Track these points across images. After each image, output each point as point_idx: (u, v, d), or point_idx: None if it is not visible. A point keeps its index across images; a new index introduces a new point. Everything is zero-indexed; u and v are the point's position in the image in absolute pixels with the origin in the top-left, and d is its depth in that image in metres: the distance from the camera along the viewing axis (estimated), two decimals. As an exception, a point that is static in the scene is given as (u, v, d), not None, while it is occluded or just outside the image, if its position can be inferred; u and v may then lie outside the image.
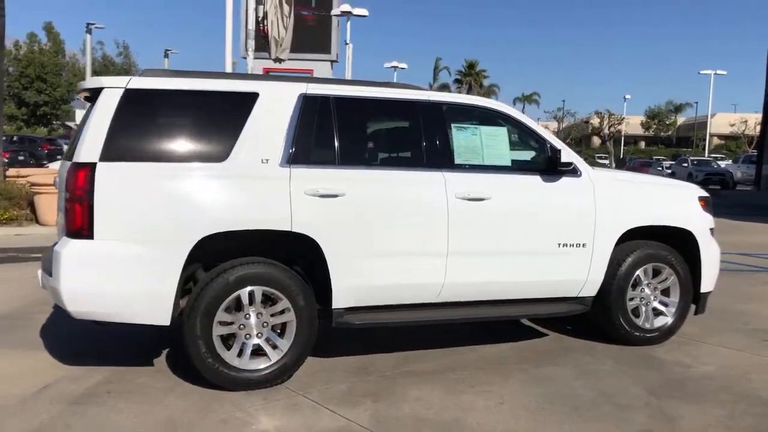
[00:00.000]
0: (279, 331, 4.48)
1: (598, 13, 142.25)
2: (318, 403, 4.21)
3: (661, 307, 5.60)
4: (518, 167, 5.17)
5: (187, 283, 4.51)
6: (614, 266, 5.33)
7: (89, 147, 4.13)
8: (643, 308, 5.54)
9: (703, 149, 57.67)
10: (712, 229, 5.74)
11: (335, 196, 4.49)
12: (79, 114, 35.77)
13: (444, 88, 64.69)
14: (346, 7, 23.76)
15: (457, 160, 4.91)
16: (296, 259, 4.63)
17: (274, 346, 4.44)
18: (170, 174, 4.23)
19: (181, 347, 4.40)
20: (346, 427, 3.89)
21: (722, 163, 40.40)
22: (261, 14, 16.65)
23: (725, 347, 5.64)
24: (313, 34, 21.98)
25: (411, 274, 4.74)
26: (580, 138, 72.86)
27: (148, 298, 4.20)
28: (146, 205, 4.19)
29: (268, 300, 4.43)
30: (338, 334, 5.16)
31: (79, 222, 4.09)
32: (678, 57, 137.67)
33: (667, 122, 72.43)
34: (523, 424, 4.01)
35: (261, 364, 4.41)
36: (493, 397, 4.39)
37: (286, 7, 17.00)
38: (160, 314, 4.23)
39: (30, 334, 5.57)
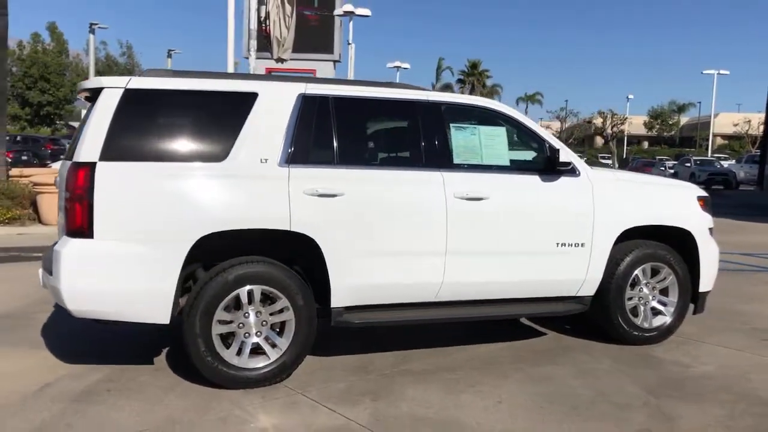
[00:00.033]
0: (278, 329, 4.50)
1: (602, 13, 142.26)
2: (317, 402, 4.23)
3: (660, 307, 5.61)
4: (517, 167, 5.18)
5: (187, 282, 4.54)
6: (613, 266, 5.34)
7: (89, 147, 4.16)
8: (642, 308, 5.55)
9: (707, 149, 57.55)
10: (711, 229, 5.75)
11: (334, 195, 4.50)
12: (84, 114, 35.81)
13: (447, 88, 64.75)
14: (348, 7, 23.78)
15: (456, 160, 4.93)
16: (295, 258, 4.65)
17: (273, 345, 4.46)
18: (170, 173, 4.25)
19: (180, 346, 4.42)
20: (344, 426, 3.91)
21: (725, 163, 40.33)
22: (263, 14, 16.70)
23: (724, 347, 5.64)
24: (315, 34, 22.03)
25: (409, 274, 4.76)
26: (583, 138, 72.83)
27: (147, 296, 4.23)
28: (146, 204, 4.21)
29: (267, 299, 4.45)
30: (337, 333, 5.19)
31: (79, 221, 4.11)
32: (681, 57, 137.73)
33: (670, 122, 72.38)
34: (522, 423, 4.02)
35: (260, 362, 4.43)
36: (491, 396, 4.41)
37: (288, 7, 17.04)
38: (160, 313, 4.25)
39: (32, 333, 5.60)
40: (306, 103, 4.63)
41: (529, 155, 5.34)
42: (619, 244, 5.36)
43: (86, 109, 4.90)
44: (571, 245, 5.15)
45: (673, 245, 5.60)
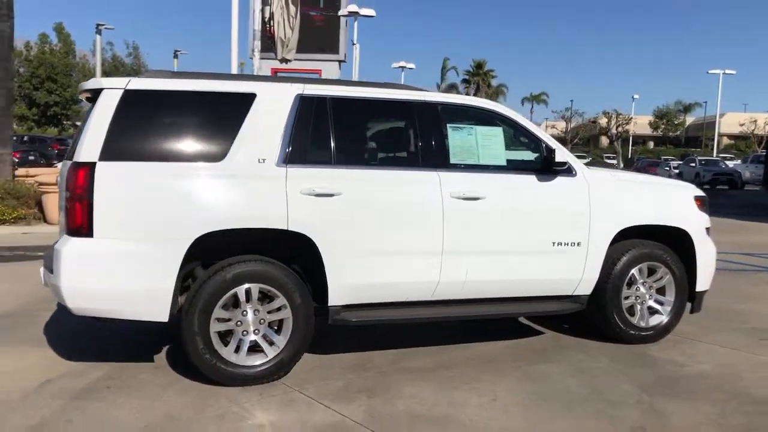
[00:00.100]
0: (276, 327, 4.56)
1: (606, 13, 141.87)
2: (313, 399, 4.28)
3: (657, 306, 5.64)
4: (513, 167, 5.22)
5: (186, 281, 4.60)
6: (609, 265, 5.37)
7: (89, 147, 4.22)
8: (639, 307, 5.58)
9: (712, 149, 57.38)
10: (708, 229, 5.77)
11: (331, 195, 4.55)
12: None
13: (452, 88, 64.82)
14: (353, 8, 23.84)
15: (453, 160, 4.97)
16: (293, 257, 4.70)
17: (271, 343, 4.52)
18: (168, 173, 4.31)
19: (180, 344, 4.48)
20: (340, 423, 3.96)
21: (730, 163, 40.20)
22: (267, 15, 16.78)
23: (721, 346, 5.66)
24: (321, 34, 22.07)
25: (406, 273, 4.80)
26: (588, 138, 72.67)
27: (146, 295, 4.28)
28: (145, 203, 4.27)
29: (265, 297, 4.51)
30: (336, 331, 5.24)
31: (79, 220, 4.18)
32: (687, 57, 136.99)
33: (676, 122, 72.16)
34: (516, 420, 4.06)
35: (258, 360, 4.48)
36: (486, 393, 4.45)
37: (292, 8, 17.12)
38: (159, 311, 4.31)
39: (34, 331, 5.67)
40: (304, 103, 4.68)
41: (525, 155, 5.38)
42: (616, 243, 5.40)
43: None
44: (568, 245, 5.19)
45: (670, 245, 5.63)
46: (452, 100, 5.30)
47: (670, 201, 5.73)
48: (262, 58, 16.18)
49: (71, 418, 3.94)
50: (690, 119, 74.87)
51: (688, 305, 5.78)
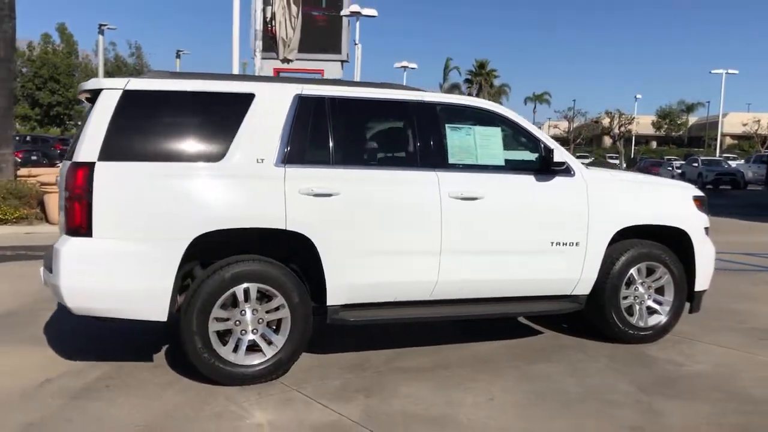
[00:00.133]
0: (274, 327, 4.57)
1: (609, 13, 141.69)
2: (311, 398, 4.29)
3: (655, 306, 5.65)
4: (512, 167, 5.23)
5: (185, 280, 4.61)
6: (608, 265, 5.38)
7: (88, 147, 4.24)
8: (637, 307, 5.59)
9: (716, 149, 57.30)
10: (707, 229, 5.77)
11: (329, 195, 4.57)
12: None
13: (454, 87, 64.82)
14: (355, 8, 23.85)
15: (451, 160, 4.98)
16: (291, 257, 4.71)
17: (269, 342, 4.53)
18: (167, 173, 4.32)
19: (178, 343, 4.50)
20: (337, 422, 3.97)
21: (733, 163, 40.12)
22: (269, 15, 16.79)
23: (720, 346, 5.67)
24: (323, 34, 22.09)
25: (404, 272, 4.81)
26: (591, 138, 72.64)
27: (145, 294, 4.30)
28: (144, 203, 4.29)
29: (264, 297, 4.52)
30: (334, 331, 5.25)
31: (78, 220, 4.20)
32: (689, 56, 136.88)
33: (679, 122, 72.07)
34: (512, 419, 4.07)
35: (256, 359, 4.50)
36: (483, 393, 4.46)
37: (294, 8, 17.12)
38: (158, 310, 4.32)
39: (35, 330, 5.70)
40: (302, 103, 4.69)
41: (524, 155, 5.39)
42: (615, 243, 5.40)
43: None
44: (566, 244, 5.19)
45: (669, 245, 5.63)
46: (450, 100, 5.31)
47: (669, 201, 5.73)
48: (264, 58, 16.19)
49: (70, 417, 3.96)
50: (693, 119, 74.79)
51: (687, 305, 5.78)
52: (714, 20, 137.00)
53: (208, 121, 4.56)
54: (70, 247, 4.21)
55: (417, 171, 4.87)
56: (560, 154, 5.17)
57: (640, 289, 5.59)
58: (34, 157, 25.53)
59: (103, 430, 3.80)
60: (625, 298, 5.52)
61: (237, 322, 4.47)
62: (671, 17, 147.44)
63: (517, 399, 4.38)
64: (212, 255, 4.51)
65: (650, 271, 5.59)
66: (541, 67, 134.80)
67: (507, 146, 5.26)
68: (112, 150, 4.25)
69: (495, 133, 5.19)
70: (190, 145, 4.45)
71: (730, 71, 51.26)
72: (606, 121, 63.16)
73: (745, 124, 60.67)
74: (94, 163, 4.20)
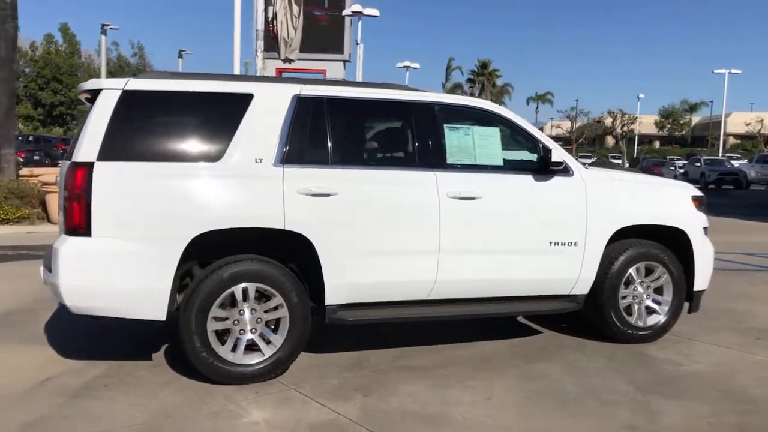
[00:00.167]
0: (273, 326, 4.58)
1: (611, 12, 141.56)
2: (309, 397, 4.31)
3: (654, 306, 5.65)
4: (510, 167, 5.24)
5: (183, 279, 4.63)
6: (606, 264, 5.38)
7: (87, 147, 4.25)
8: (636, 306, 5.59)
9: (719, 149, 57.22)
10: (705, 228, 5.77)
11: (328, 195, 4.58)
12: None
13: (457, 87, 64.77)
14: (357, 8, 23.85)
15: (449, 160, 4.99)
16: (290, 256, 4.72)
17: (268, 342, 4.55)
18: (166, 173, 4.34)
19: (177, 342, 4.51)
20: (334, 420, 3.98)
21: (736, 163, 40.07)
22: (270, 15, 16.82)
23: (718, 345, 5.67)
24: (325, 34, 22.07)
25: (403, 272, 4.82)
26: (593, 138, 72.55)
27: (144, 293, 4.31)
28: (142, 203, 4.31)
29: (262, 296, 4.54)
30: (333, 330, 5.26)
31: (77, 220, 4.21)
32: (692, 56, 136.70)
33: (682, 122, 71.98)
34: (510, 418, 4.08)
35: (254, 358, 4.51)
36: (481, 392, 4.47)
37: (295, 8, 17.16)
38: (156, 310, 4.34)
39: (35, 329, 5.72)
40: (301, 103, 4.70)
41: (522, 155, 5.40)
42: (613, 243, 5.41)
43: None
44: (564, 244, 5.20)
45: (667, 244, 5.63)
46: (449, 100, 5.31)
47: (668, 201, 5.74)
48: (265, 58, 16.24)
49: (69, 414, 3.98)
50: (696, 119, 74.69)
51: (686, 305, 5.78)
52: (717, 20, 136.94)
53: (207, 121, 4.58)
54: (69, 247, 4.23)
55: (415, 171, 4.88)
56: (558, 154, 5.17)
57: (639, 288, 5.59)
58: (36, 157, 25.62)
59: (102, 429, 3.81)
60: (624, 297, 5.52)
61: (235, 322, 4.48)
62: (674, 17, 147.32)
63: (516, 398, 4.39)
64: (211, 255, 4.52)
65: (649, 271, 5.59)
66: (544, 67, 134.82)
67: (505, 146, 5.27)
68: (111, 150, 4.26)
69: (493, 133, 5.20)
70: (189, 145, 4.47)
71: (732, 71, 51.23)
72: (609, 121, 63.10)
73: (748, 124, 60.58)
74: (93, 163, 4.22)
